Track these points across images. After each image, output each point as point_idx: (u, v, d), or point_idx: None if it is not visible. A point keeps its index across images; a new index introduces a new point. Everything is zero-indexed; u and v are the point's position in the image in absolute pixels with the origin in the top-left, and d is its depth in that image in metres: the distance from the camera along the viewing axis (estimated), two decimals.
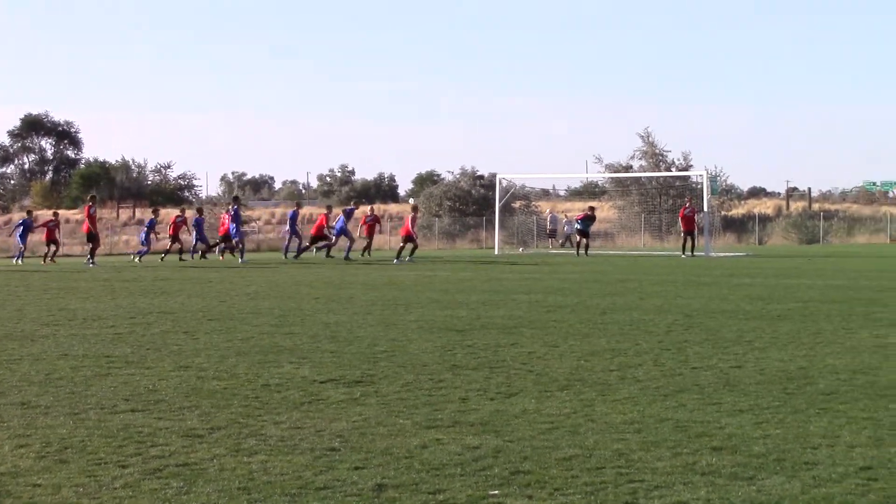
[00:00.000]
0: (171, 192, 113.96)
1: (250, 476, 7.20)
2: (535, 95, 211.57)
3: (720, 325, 16.32)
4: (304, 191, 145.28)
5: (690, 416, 9.09)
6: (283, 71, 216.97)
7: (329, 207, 47.12)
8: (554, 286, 25.76)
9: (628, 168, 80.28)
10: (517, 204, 74.65)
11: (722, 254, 47.25)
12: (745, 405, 9.55)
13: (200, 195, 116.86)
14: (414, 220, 42.65)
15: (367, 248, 44.75)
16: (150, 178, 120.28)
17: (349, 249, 42.76)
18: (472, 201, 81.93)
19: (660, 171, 77.03)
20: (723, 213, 76.16)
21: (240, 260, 40.65)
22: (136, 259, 42.82)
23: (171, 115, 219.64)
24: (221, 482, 7.06)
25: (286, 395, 10.29)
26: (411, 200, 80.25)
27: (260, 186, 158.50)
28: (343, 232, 43.50)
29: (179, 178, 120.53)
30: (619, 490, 6.84)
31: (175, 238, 44.13)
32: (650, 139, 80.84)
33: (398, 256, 41.23)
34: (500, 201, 54.69)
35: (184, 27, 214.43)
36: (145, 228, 44.52)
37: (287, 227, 45.06)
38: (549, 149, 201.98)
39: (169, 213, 55.31)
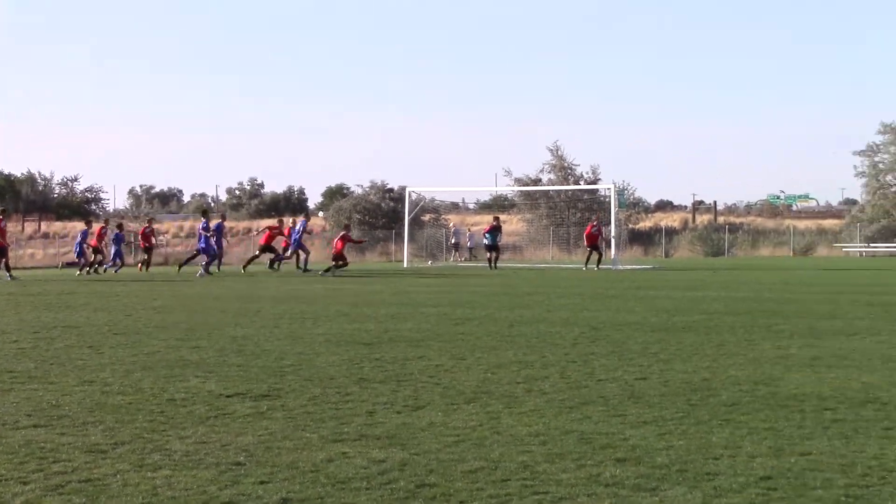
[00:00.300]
0: (78, 206, 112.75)
1: (154, 491, 7.14)
2: (444, 109, 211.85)
3: (626, 337, 16.46)
4: (213, 204, 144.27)
5: (595, 427, 9.16)
6: (192, 83, 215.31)
7: (280, 221, 47.28)
8: (462, 299, 25.83)
9: (537, 181, 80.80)
10: (427, 217, 74.95)
11: (629, 266, 47.70)
12: (650, 417, 9.64)
13: (108, 208, 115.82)
14: (345, 238, 42.90)
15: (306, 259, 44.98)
16: (57, 192, 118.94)
17: (307, 262, 43.57)
18: (381, 214, 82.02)
19: (568, 184, 77.66)
20: (630, 226, 76.86)
21: (217, 269, 41.69)
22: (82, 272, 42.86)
23: (78, 127, 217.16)
24: (125, 498, 7.00)
25: (192, 409, 10.22)
26: (321, 214, 80.00)
27: (168, 199, 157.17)
28: (298, 245, 43.74)
29: (86, 191, 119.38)
30: (523, 502, 6.87)
31: (98, 250, 43.96)
32: (559, 153, 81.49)
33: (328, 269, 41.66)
34: (409, 214, 54.86)
35: (88, 39, 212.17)
36: (79, 240, 44.24)
37: (214, 240, 45.08)
38: (459, 162, 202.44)
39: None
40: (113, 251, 44.48)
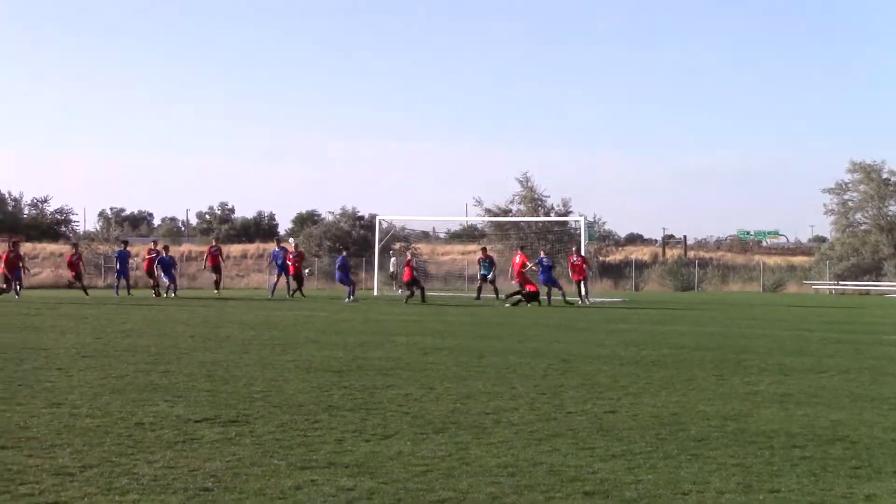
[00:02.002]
0: (48, 227, 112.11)
1: None
2: (416, 138, 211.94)
3: (596, 369, 16.47)
4: (183, 228, 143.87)
5: (564, 460, 9.15)
6: (163, 107, 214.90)
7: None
8: (432, 328, 25.82)
9: (507, 212, 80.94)
10: (397, 245, 74.90)
11: (599, 299, 47.71)
12: (618, 450, 9.64)
13: (78, 230, 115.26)
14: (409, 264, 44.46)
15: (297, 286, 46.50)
16: (27, 212, 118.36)
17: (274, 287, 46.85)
18: (351, 242, 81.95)
19: (538, 215, 77.79)
20: (600, 258, 77.05)
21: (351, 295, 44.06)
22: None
23: (49, 149, 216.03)
24: None
25: (160, 433, 10.17)
26: (291, 240, 79.98)
27: (139, 223, 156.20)
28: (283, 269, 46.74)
29: (56, 212, 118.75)
30: None
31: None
32: (529, 184, 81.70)
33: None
34: (379, 242, 54.80)
35: (55, 60, 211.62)
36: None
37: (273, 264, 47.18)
38: (430, 191, 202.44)
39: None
40: (163, 275, 45.10)
